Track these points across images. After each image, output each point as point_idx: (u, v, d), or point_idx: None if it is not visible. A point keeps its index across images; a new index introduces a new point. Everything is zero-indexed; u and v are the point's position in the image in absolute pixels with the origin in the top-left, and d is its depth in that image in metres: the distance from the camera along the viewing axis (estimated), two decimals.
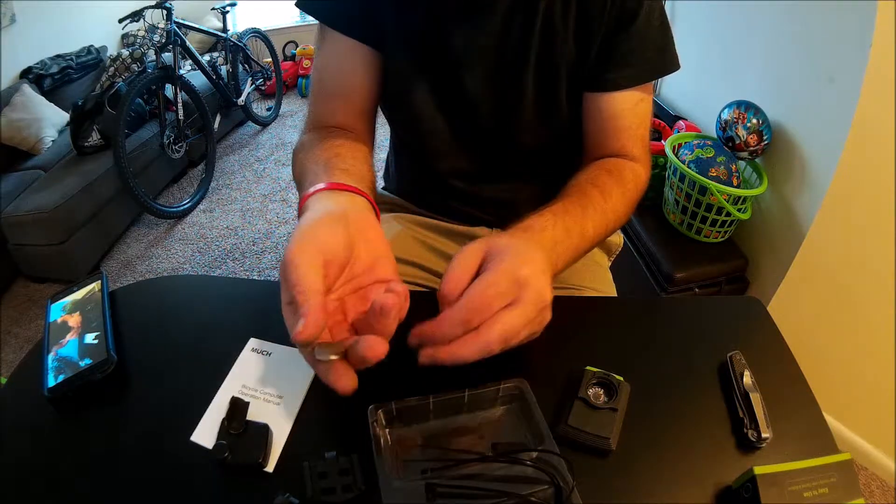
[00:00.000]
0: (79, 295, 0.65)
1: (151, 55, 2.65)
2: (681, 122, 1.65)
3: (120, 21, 2.29)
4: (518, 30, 0.64)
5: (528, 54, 0.65)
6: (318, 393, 0.54)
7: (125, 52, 2.88)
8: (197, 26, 2.80)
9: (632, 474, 0.47)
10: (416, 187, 0.87)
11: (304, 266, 0.39)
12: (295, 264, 0.38)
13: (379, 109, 0.75)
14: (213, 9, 3.26)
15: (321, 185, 0.51)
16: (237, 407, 0.50)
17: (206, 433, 0.50)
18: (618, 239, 0.92)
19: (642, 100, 0.67)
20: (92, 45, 2.90)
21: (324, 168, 0.56)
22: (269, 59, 3.45)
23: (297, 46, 3.88)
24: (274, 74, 3.40)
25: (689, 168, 1.31)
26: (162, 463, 0.49)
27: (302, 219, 0.46)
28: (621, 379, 0.52)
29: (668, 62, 0.67)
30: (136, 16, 2.32)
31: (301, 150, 0.65)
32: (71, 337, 0.59)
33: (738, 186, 1.30)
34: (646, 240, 1.49)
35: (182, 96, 2.44)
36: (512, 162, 0.76)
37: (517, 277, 0.43)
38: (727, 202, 1.28)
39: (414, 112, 0.70)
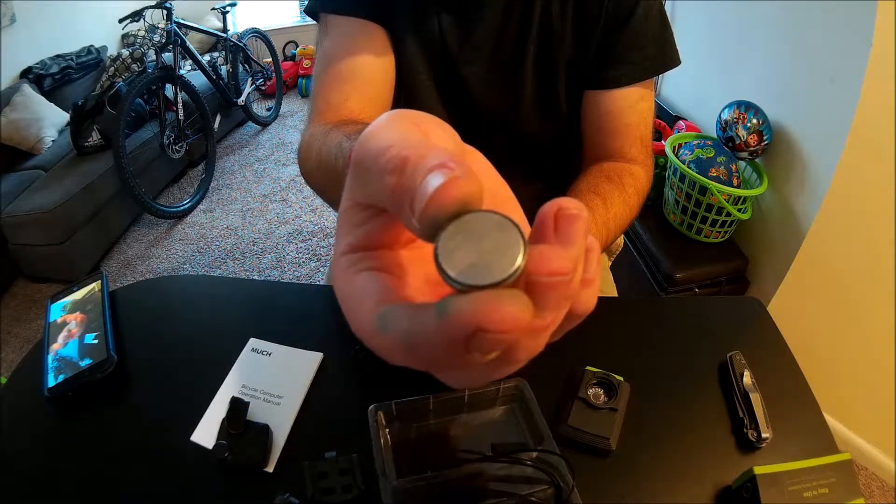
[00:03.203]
0: (79, 295, 0.65)
1: (151, 55, 2.65)
2: (681, 122, 1.65)
3: (120, 21, 2.28)
4: (515, 28, 0.64)
5: (526, 52, 0.64)
6: (318, 393, 0.54)
7: (125, 52, 2.88)
8: (197, 26, 2.80)
9: (632, 474, 0.47)
10: None
11: (399, 127, 0.19)
12: (387, 123, 0.19)
13: None
14: (213, 9, 3.26)
15: None
16: (237, 407, 0.50)
17: (206, 433, 0.50)
18: (618, 239, 0.92)
19: (643, 97, 0.67)
20: (92, 45, 2.89)
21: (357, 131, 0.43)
22: (270, 59, 3.44)
23: (297, 46, 3.88)
24: (274, 74, 3.39)
25: (690, 168, 1.31)
26: (162, 463, 0.49)
27: None
28: (621, 379, 0.52)
29: (667, 58, 0.66)
30: (136, 16, 2.32)
31: (316, 138, 0.53)
32: (71, 337, 0.59)
33: (738, 186, 1.30)
34: (646, 240, 1.49)
35: (182, 96, 2.44)
36: (513, 161, 0.76)
37: None
38: (727, 202, 1.28)
39: (418, 103, 0.70)
